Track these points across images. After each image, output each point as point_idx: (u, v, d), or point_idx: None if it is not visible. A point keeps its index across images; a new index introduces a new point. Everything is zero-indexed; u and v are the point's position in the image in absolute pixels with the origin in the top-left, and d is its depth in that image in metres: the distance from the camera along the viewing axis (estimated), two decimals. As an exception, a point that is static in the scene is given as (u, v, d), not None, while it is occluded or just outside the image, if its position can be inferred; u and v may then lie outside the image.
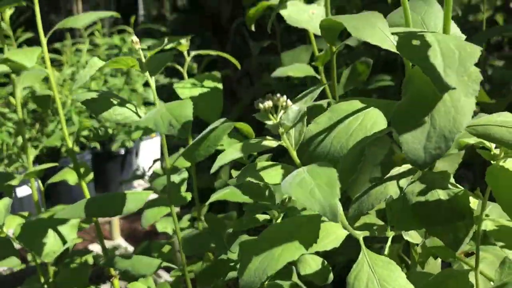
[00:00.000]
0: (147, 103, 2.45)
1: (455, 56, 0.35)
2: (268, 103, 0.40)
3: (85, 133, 2.18)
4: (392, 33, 0.40)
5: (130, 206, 0.67)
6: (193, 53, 0.81)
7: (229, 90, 5.89)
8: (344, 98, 0.47)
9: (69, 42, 2.41)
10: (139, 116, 0.62)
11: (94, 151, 2.27)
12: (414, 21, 0.45)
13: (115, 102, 0.61)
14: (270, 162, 0.44)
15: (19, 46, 1.86)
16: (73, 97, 2.19)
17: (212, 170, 0.44)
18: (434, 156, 0.36)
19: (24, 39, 1.86)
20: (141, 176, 1.83)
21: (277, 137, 0.43)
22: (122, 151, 2.27)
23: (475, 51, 0.35)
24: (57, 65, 2.26)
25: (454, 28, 0.45)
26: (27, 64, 0.67)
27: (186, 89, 0.71)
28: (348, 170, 0.43)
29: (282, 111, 0.41)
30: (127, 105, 0.63)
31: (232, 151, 0.44)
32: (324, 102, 0.66)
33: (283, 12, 0.60)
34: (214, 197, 0.68)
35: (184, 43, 0.78)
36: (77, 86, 0.58)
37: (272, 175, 0.42)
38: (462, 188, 0.45)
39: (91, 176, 0.91)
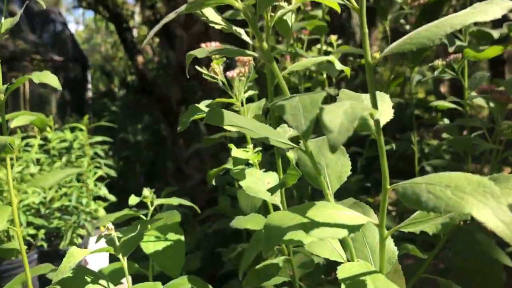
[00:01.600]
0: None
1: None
2: None
3: (31, 231, 2.13)
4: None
5: None
6: (156, 202, 0.86)
7: (177, 168, 5.82)
8: None
9: (19, 136, 2.40)
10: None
11: (41, 249, 2.21)
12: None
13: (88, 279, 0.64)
14: None
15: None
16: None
17: None
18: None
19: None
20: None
21: None
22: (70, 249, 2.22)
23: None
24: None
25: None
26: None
27: (150, 243, 0.76)
28: None
29: None
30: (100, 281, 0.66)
31: None
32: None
33: (241, 183, 0.67)
34: None
35: (148, 195, 0.84)
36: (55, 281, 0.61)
37: None
38: None
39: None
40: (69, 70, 8.59)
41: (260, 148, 0.73)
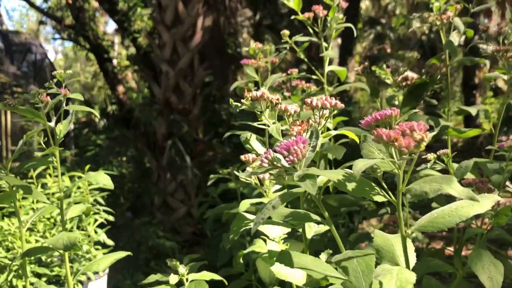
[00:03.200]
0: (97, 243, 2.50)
1: None
2: None
3: (33, 279, 2.17)
4: None
5: None
6: (190, 277, 0.94)
7: (162, 201, 5.86)
8: None
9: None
10: None
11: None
12: None
13: None
14: None
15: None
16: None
17: None
18: None
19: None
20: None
21: None
22: (71, 296, 2.27)
23: None
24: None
25: None
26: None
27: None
28: None
29: None
30: None
31: None
32: None
33: (273, 268, 0.76)
34: None
35: (184, 273, 0.92)
36: None
37: None
38: None
39: None
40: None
41: (286, 236, 0.83)
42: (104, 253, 2.48)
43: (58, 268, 2.30)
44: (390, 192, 0.55)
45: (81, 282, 2.37)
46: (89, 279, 2.42)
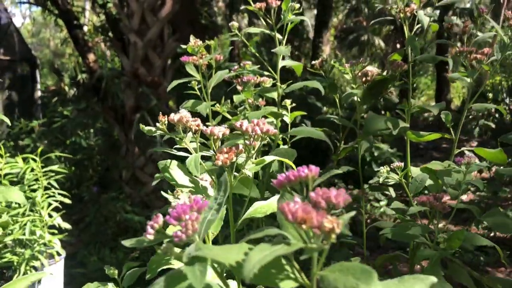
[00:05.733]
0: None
1: None
2: None
3: (-17, 266, 2.09)
4: None
5: None
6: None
7: (131, 175, 5.76)
8: None
9: (-32, 163, 2.33)
10: None
11: (-7, 284, 2.17)
12: None
13: None
14: None
15: None
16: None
17: None
18: None
19: None
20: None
21: None
22: (24, 282, 2.19)
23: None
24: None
25: None
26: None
27: None
28: None
29: None
30: None
31: None
32: None
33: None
34: None
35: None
36: None
37: None
38: None
39: None
40: (16, 69, 8.26)
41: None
42: (59, 238, 2.40)
43: (9, 254, 2.21)
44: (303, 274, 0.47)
45: (35, 268, 2.29)
46: (43, 265, 2.34)
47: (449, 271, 1.02)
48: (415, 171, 1.09)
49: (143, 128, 0.69)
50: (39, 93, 8.39)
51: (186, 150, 0.68)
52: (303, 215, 0.37)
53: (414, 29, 1.20)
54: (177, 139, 0.67)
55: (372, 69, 1.19)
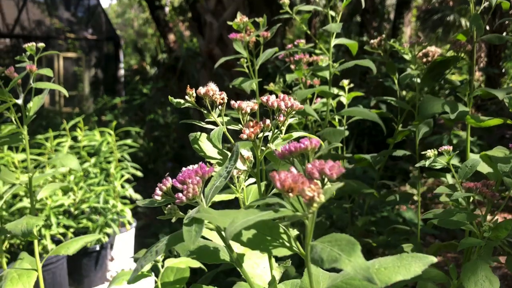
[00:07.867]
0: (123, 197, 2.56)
1: None
2: None
3: (62, 230, 2.26)
4: None
5: None
6: (167, 263, 0.93)
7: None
8: None
9: (51, 135, 2.52)
10: None
11: (70, 246, 2.34)
12: None
13: None
14: None
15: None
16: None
17: None
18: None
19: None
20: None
21: None
22: (97, 247, 2.35)
23: None
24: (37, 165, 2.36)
25: None
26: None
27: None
28: None
29: None
30: None
31: None
32: None
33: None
34: None
35: (159, 260, 0.90)
36: None
37: None
38: None
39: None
40: (102, 48, 8.73)
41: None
42: (131, 208, 2.53)
43: (86, 221, 2.37)
44: (298, 243, 0.46)
45: (107, 234, 2.44)
46: (115, 233, 2.49)
47: (506, 264, 0.97)
48: (473, 157, 1.04)
49: (172, 100, 0.72)
50: (122, 72, 8.81)
51: (215, 123, 0.70)
52: (291, 184, 0.38)
53: (481, 8, 1.13)
54: (205, 112, 0.69)
55: (435, 49, 1.14)
